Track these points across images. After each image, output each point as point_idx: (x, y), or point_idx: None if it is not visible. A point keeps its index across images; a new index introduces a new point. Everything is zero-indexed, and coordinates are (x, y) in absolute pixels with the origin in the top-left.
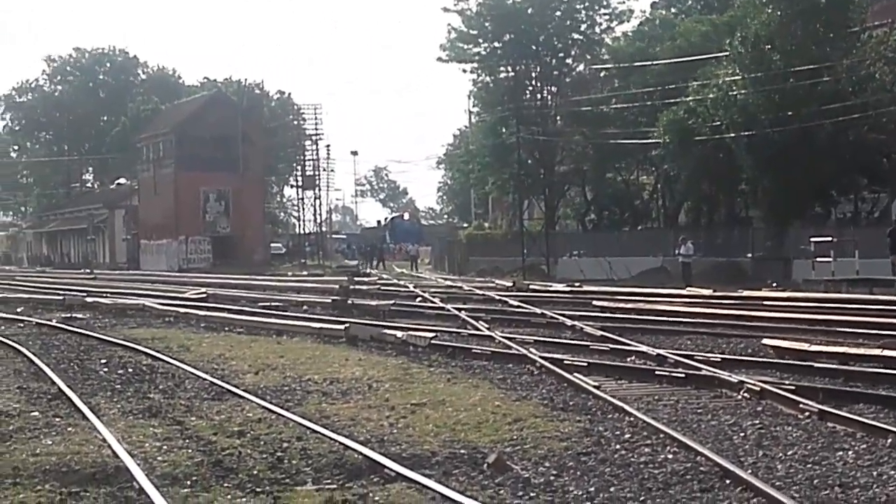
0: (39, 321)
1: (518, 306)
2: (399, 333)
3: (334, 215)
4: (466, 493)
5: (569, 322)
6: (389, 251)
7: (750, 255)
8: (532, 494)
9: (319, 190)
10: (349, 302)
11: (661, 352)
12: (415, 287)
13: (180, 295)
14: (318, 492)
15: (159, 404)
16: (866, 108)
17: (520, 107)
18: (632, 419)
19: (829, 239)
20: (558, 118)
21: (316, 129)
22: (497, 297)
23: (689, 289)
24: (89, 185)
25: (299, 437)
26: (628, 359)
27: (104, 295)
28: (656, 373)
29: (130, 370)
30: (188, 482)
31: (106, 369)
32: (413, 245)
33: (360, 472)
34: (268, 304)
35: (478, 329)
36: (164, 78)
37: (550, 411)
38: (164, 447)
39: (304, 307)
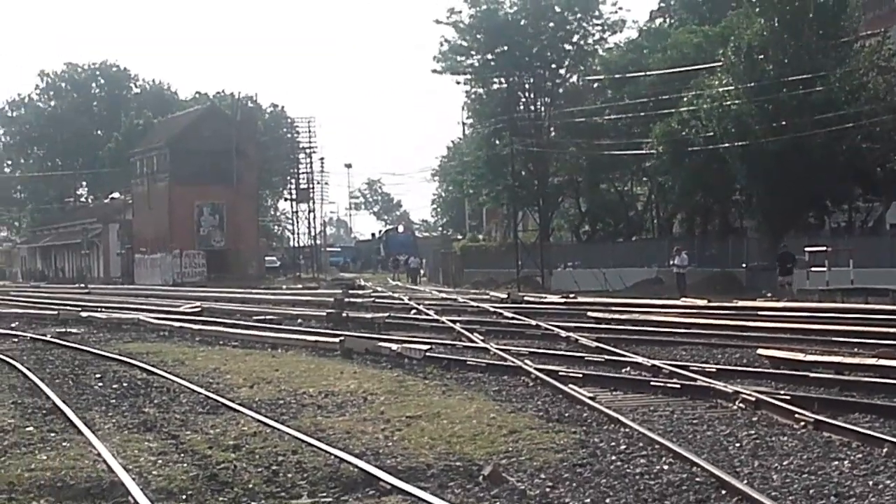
0: (34, 336)
1: (513, 318)
2: (394, 346)
3: (328, 228)
4: None
5: (563, 333)
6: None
7: (745, 265)
8: None
9: (313, 203)
10: (344, 315)
11: (657, 363)
12: (409, 299)
13: (175, 309)
14: None
15: (154, 418)
16: (859, 117)
17: (513, 118)
18: (627, 430)
19: (824, 248)
20: (552, 129)
21: (309, 141)
22: (492, 309)
23: (683, 299)
24: (83, 199)
25: (294, 451)
26: (623, 370)
27: (99, 309)
28: (651, 384)
29: (125, 384)
30: (183, 496)
31: (101, 384)
32: (414, 258)
33: (356, 486)
34: (262, 317)
35: (473, 341)
36: (157, 91)
37: (546, 423)
38: (159, 461)
39: (299, 320)
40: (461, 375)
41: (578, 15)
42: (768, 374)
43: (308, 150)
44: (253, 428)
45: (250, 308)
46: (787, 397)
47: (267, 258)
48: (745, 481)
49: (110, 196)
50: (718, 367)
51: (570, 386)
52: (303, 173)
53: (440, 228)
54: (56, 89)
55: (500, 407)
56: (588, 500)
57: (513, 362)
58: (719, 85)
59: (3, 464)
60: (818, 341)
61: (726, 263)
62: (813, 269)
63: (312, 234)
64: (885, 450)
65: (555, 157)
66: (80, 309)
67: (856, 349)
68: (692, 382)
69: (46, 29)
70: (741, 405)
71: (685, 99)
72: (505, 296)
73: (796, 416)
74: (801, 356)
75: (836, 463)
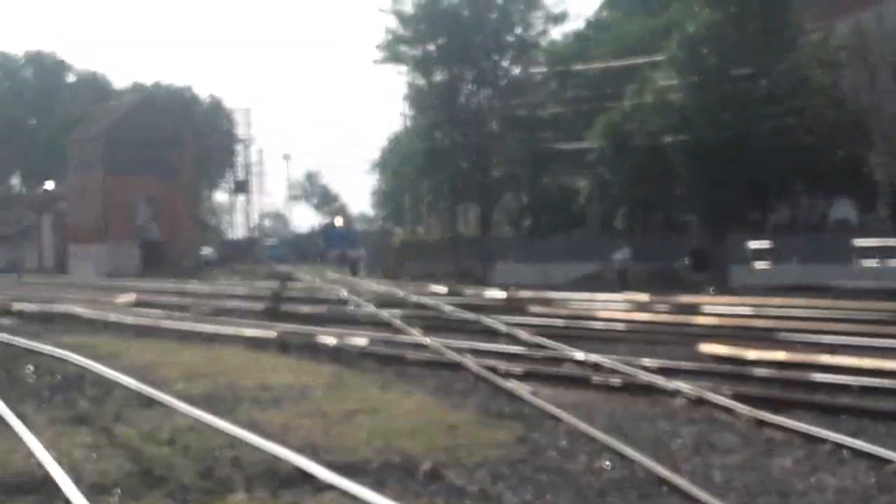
0: None
1: (453, 312)
2: (332, 340)
3: (266, 220)
4: (400, 501)
5: (504, 329)
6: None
7: (687, 260)
8: (467, 503)
9: (251, 195)
10: (281, 308)
11: (598, 358)
12: (348, 293)
13: (110, 301)
14: (249, 501)
15: (87, 412)
16: (802, 111)
17: (455, 110)
18: (568, 427)
19: (768, 244)
20: (494, 122)
21: (248, 133)
22: (432, 303)
23: (625, 294)
24: (16, 189)
25: (230, 446)
26: (564, 366)
27: (32, 301)
28: (592, 380)
29: (58, 377)
30: (117, 491)
31: (33, 377)
32: (354, 251)
33: (293, 481)
34: (198, 310)
35: (412, 336)
36: (93, 81)
37: (485, 419)
38: (93, 456)
39: (236, 313)
40: (400, 370)
41: (521, 6)
42: (710, 370)
43: (246, 142)
44: (188, 422)
45: (186, 300)
46: (729, 394)
47: (203, 250)
48: (687, 478)
49: (44, 186)
50: (660, 363)
51: (511, 382)
52: (240, 165)
53: (380, 221)
54: None
55: (439, 402)
56: (528, 497)
57: (452, 357)
58: (662, 78)
59: None
60: (760, 338)
61: (668, 258)
62: (756, 264)
63: (250, 226)
64: (826, 447)
65: (496, 150)
66: (11, 300)
67: (798, 346)
68: (633, 379)
69: None
70: (682, 402)
71: (628, 92)
72: (445, 290)
73: (738, 413)
74: (743, 353)
75: (778, 460)
